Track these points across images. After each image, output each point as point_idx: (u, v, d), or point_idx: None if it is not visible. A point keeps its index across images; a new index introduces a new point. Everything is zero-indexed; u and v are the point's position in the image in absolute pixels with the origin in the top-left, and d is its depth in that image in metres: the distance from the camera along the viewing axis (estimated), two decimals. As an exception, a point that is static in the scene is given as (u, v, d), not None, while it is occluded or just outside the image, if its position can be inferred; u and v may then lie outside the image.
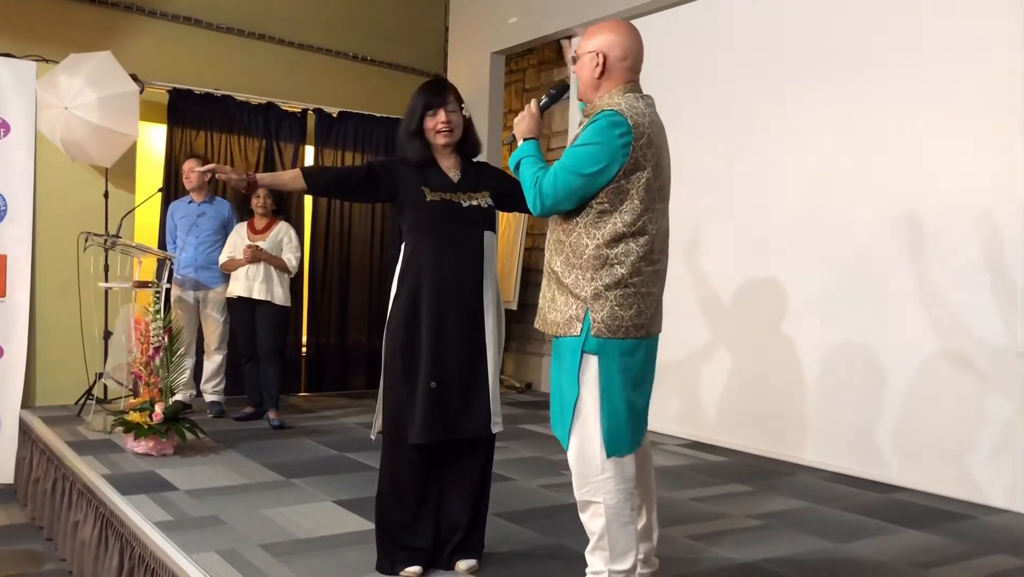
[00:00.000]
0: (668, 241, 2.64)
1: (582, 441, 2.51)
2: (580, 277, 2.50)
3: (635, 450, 2.58)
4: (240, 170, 3.30)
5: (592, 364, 2.49)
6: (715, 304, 5.46)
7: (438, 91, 2.99)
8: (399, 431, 2.90)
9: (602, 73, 2.57)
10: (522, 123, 2.65)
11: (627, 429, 2.51)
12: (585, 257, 2.49)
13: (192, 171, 5.83)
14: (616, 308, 2.47)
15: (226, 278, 5.73)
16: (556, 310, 2.56)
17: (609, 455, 2.48)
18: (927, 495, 4.24)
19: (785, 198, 5.07)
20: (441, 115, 2.95)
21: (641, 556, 2.69)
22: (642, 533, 2.73)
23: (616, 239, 2.47)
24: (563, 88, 2.74)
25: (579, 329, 2.49)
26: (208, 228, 5.83)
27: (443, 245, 2.91)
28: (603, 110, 2.49)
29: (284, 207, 5.92)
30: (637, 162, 2.45)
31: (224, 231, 5.85)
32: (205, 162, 5.86)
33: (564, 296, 2.54)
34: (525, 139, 2.63)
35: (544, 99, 2.71)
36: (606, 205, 2.47)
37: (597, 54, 2.57)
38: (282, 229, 5.69)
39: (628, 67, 2.58)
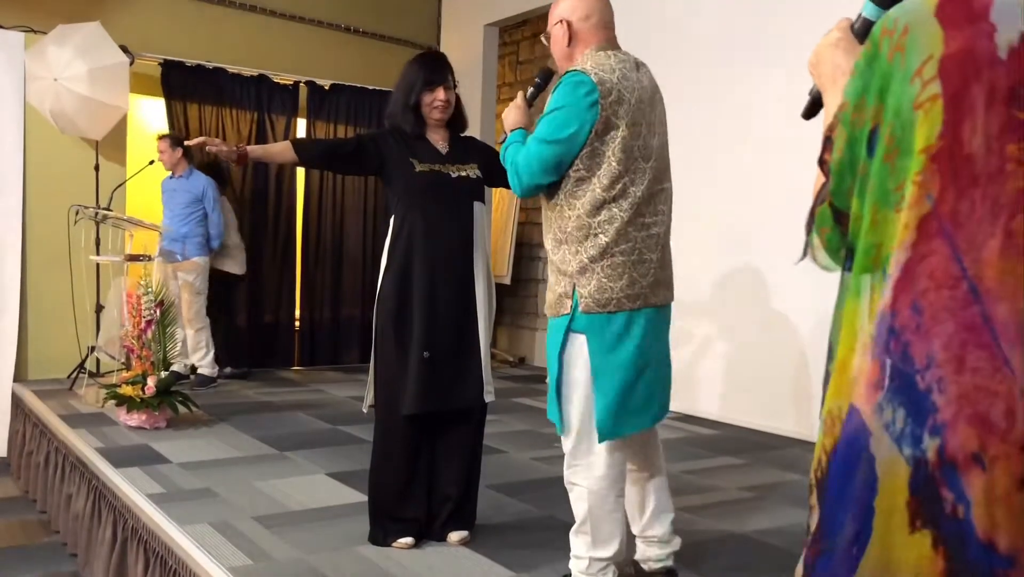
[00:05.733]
0: (665, 202, 2.49)
1: (572, 422, 2.42)
2: (567, 252, 2.39)
3: (641, 430, 2.47)
4: (231, 143, 3.33)
5: (580, 344, 2.37)
6: (707, 277, 5.46)
7: (438, 68, 3.00)
8: (391, 403, 2.91)
9: (571, 40, 2.46)
10: (510, 115, 2.58)
11: (624, 412, 2.37)
12: (569, 231, 2.37)
13: (164, 148, 5.86)
14: (604, 280, 2.34)
15: (199, 251, 5.84)
16: (551, 290, 2.46)
17: (601, 440, 2.37)
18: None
19: (779, 168, 5.06)
20: (440, 93, 2.96)
21: (656, 537, 2.63)
22: (655, 512, 2.63)
23: (597, 207, 2.34)
24: (548, 75, 2.65)
25: (568, 307, 2.38)
26: (180, 201, 5.84)
27: (433, 215, 2.91)
28: (565, 72, 2.41)
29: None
30: (608, 121, 2.32)
31: (199, 204, 5.87)
32: (176, 139, 5.88)
33: (555, 275, 2.44)
34: (512, 130, 2.56)
35: (530, 90, 2.63)
36: (582, 171, 2.35)
37: (561, 23, 2.47)
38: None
39: (595, 25, 2.46)
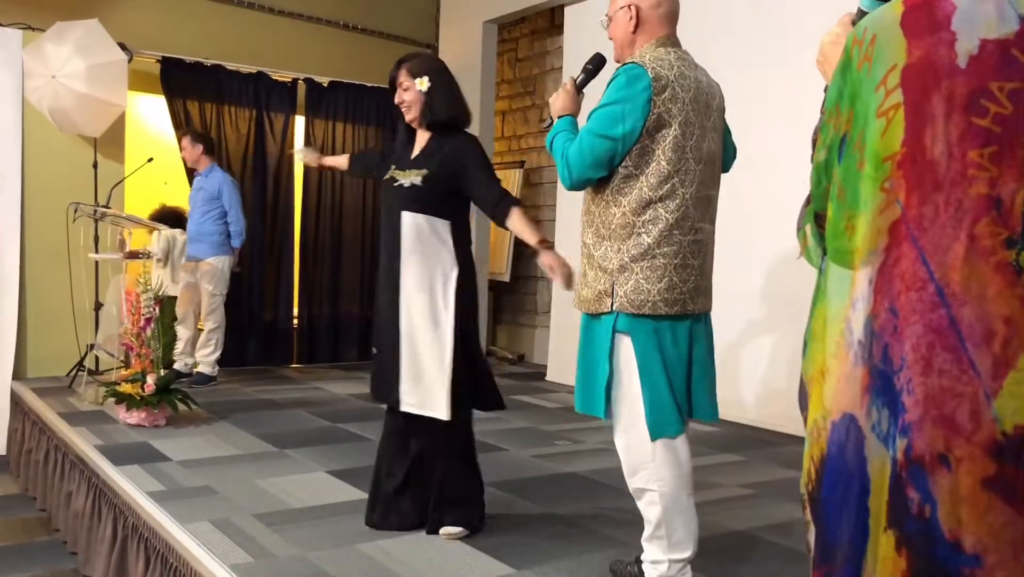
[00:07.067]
0: (713, 210, 2.45)
1: (627, 427, 2.37)
2: (608, 249, 2.34)
3: (683, 431, 2.40)
4: (317, 154, 3.81)
5: (626, 344, 2.33)
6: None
7: (393, 71, 3.02)
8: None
9: (637, 26, 2.39)
10: (557, 101, 2.51)
11: (672, 409, 2.34)
12: (613, 227, 2.33)
13: (185, 145, 5.87)
14: (642, 281, 2.29)
15: (215, 251, 5.77)
16: (587, 286, 2.40)
17: (654, 438, 2.33)
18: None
19: (781, 166, 5.06)
20: (396, 96, 3.00)
21: (681, 560, 2.53)
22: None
23: (643, 205, 2.29)
24: (600, 62, 2.56)
25: (609, 305, 2.33)
26: (198, 200, 5.84)
27: (383, 223, 3.06)
28: (623, 64, 2.34)
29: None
30: (660, 118, 2.26)
31: (216, 202, 5.84)
32: (196, 135, 5.88)
33: (594, 271, 2.38)
34: (560, 117, 2.49)
35: (580, 76, 2.55)
36: (631, 168, 2.30)
37: (630, 7, 2.40)
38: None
39: (662, 16, 2.41)
